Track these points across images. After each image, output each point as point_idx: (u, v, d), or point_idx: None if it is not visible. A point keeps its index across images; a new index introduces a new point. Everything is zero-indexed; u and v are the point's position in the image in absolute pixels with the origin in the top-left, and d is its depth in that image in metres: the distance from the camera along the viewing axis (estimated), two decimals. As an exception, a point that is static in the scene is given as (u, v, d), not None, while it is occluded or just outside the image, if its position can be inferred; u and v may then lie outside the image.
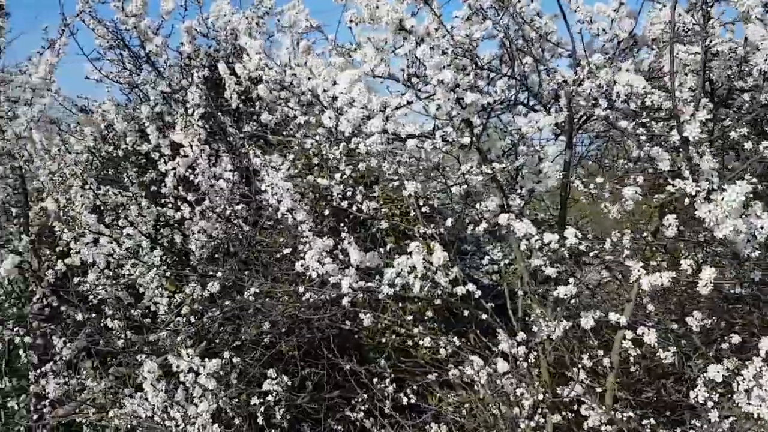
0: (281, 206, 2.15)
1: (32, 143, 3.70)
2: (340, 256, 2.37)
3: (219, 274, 2.77)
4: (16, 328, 3.49)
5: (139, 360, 3.04)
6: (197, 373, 2.80)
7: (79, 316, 3.10)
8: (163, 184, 3.79)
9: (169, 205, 3.56)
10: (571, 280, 2.17)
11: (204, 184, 3.08)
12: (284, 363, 3.70)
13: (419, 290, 2.25)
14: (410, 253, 2.21)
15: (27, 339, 3.68)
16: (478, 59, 2.61)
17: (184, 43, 3.96)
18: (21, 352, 3.94)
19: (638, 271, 1.97)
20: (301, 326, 3.28)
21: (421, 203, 2.87)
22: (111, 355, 3.96)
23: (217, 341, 3.47)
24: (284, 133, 4.49)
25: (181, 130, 3.00)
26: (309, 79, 2.46)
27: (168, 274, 3.50)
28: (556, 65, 2.81)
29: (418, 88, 2.65)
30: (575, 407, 2.47)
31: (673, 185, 2.31)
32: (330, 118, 2.45)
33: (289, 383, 2.90)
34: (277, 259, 3.02)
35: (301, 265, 2.19)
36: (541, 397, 2.28)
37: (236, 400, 2.84)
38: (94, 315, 3.68)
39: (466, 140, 2.23)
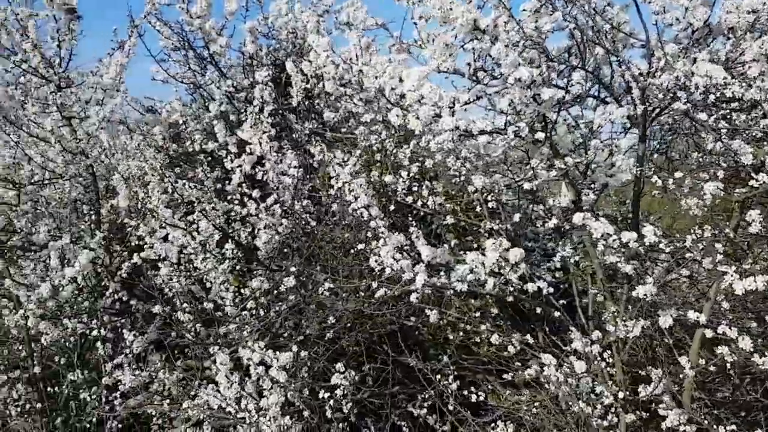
0: (357, 203, 2.16)
1: (101, 142, 3.83)
2: (407, 253, 2.37)
3: (293, 269, 2.80)
4: (88, 322, 3.60)
5: (211, 352, 3.12)
6: (267, 366, 2.86)
7: (157, 308, 3.19)
8: (227, 182, 3.88)
9: (236, 202, 3.63)
10: (649, 279, 2.11)
11: (273, 180, 3.13)
12: (346, 358, 3.74)
13: (492, 287, 2.24)
14: (482, 250, 2.20)
15: (99, 332, 3.81)
16: (548, 52, 2.57)
17: (246, 42, 4.02)
18: (94, 345, 4.08)
19: (732, 275, 1.90)
20: (364, 322, 3.29)
21: (487, 199, 2.84)
22: (179, 348, 4.09)
23: (283, 335, 3.53)
24: (343, 130, 4.52)
25: (251, 127, 3.05)
26: (376, 77, 2.45)
27: (237, 268, 3.56)
28: (628, 56, 2.75)
29: (485, 83, 2.63)
30: (651, 407, 2.42)
31: (756, 179, 2.23)
32: (397, 116, 2.45)
33: (356, 378, 2.92)
34: (343, 254, 3.04)
35: (375, 261, 2.20)
36: (621, 396, 2.23)
37: (306, 393, 2.88)
38: (166, 308, 3.80)
39: (540, 135, 2.20)
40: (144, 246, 3.94)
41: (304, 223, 3.14)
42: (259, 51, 4.09)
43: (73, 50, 3.67)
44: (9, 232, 3.91)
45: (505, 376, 2.88)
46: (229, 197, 3.65)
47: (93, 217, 4.03)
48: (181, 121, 3.89)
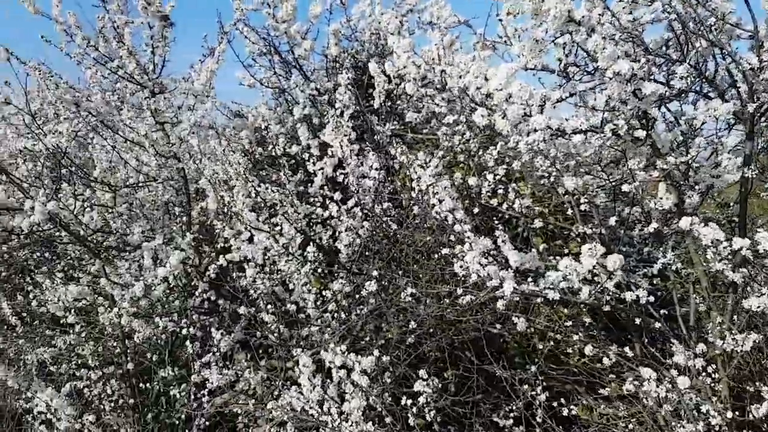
0: (442, 206, 2.09)
1: (192, 147, 3.95)
2: (493, 258, 2.28)
3: (374, 273, 2.77)
4: (179, 320, 3.70)
5: (294, 354, 3.13)
6: (348, 370, 2.84)
7: (242, 309, 3.24)
8: (309, 184, 3.90)
9: (317, 204, 3.65)
10: (765, 289, 1.92)
11: (354, 182, 3.11)
12: (427, 364, 3.67)
13: (587, 295, 2.11)
14: (574, 255, 2.07)
15: (188, 331, 3.92)
16: (646, 45, 2.41)
17: (330, 45, 4.04)
18: (183, 343, 4.20)
19: None
20: (447, 327, 3.21)
21: (579, 201, 2.70)
22: (263, 348, 4.15)
23: (363, 339, 3.51)
24: (424, 131, 4.46)
25: (332, 130, 3.05)
26: (459, 76, 2.37)
27: (319, 270, 3.57)
28: (735, 48, 2.54)
29: (577, 79, 2.50)
30: (764, 428, 2.21)
31: None
32: (482, 116, 2.36)
33: (439, 385, 2.84)
34: (425, 257, 2.98)
35: (460, 267, 2.12)
36: (729, 415, 2.04)
37: (389, 398, 2.84)
38: (251, 309, 3.87)
39: (640, 133, 2.05)
40: (230, 247, 4.04)
41: (385, 226, 3.10)
42: (343, 53, 4.10)
43: (166, 57, 3.80)
44: (105, 233, 4.10)
45: (600, 390, 2.71)
46: (311, 200, 3.66)
47: (184, 218, 4.16)
48: (265, 125, 3.95)
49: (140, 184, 3.95)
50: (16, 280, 5.61)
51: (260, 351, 4.17)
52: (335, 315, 3.40)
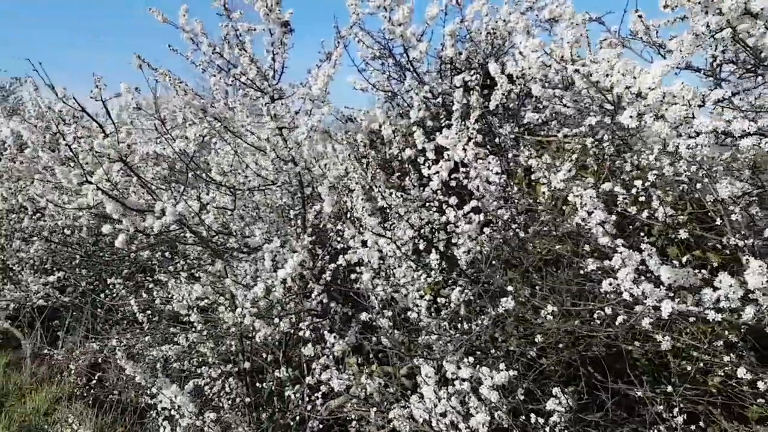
0: (592, 218, 1.94)
1: (308, 151, 3.98)
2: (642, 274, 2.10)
3: (509, 288, 2.65)
4: (296, 322, 3.73)
5: (409, 361, 3.07)
6: (468, 380, 2.74)
7: (363, 316, 3.22)
8: (422, 189, 3.83)
9: (433, 209, 3.57)
10: None
11: (477, 187, 3.00)
12: (549, 379, 3.51)
13: (751, 316, 1.90)
14: (717, 268, 1.87)
15: (303, 333, 3.96)
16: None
17: (445, 47, 3.95)
18: (297, 344, 4.25)
19: None
20: (576, 342, 3.04)
21: (731, 210, 2.46)
22: (374, 353, 4.13)
23: (481, 349, 3.39)
24: (542, 133, 4.28)
25: (456, 133, 2.96)
26: (607, 75, 2.21)
27: (431, 277, 3.50)
28: None
29: (736, 77, 2.28)
30: None
31: None
32: (631, 117, 2.19)
33: (571, 404, 2.68)
34: (554, 267, 2.83)
35: (609, 284, 1.97)
36: None
37: (512, 415, 2.71)
38: (370, 314, 3.85)
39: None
40: (345, 251, 4.04)
41: (512, 233, 2.97)
42: (459, 55, 4.00)
43: (285, 63, 3.85)
44: (226, 235, 4.22)
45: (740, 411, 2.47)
46: (428, 204, 3.59)
47: (298, 222, 4.21)
48: (377, 129, 3.92)
49: (260, 188, 4.02)
50: (138, 278, 5.92)
51: (371, 356, 4.16)
52: (453, 323, 3.30)
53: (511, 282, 2.80)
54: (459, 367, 2.79)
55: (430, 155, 3.65)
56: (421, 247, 3.16)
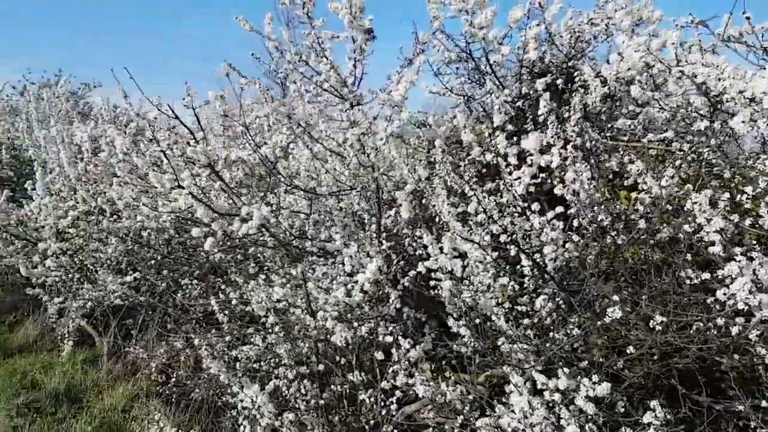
0: (709, 227, 1.89)
1: (386, 157, 3.99)
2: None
3: (615, 297, 2.59)
4: (375, 326, 3.75)
5: (486, 369, 3.04)
6: (558, 391, 2.70)
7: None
8: (499, 194, 3.80)
9: (516, 215, 3.53)
10: None
11: (575, 192, 2.96)
12: (631, 390, 3.42)
13: None
14: None
15: (377, 337, 3.97)
16: None
17: (528, 49, 3.91)
18: (368, 347, 4.26)
19: None
20: (667, 355, 2.95)
21: None
22: (447, 360, 4.11)
23: (564, 358, 3.34)
24: (624, 138, 4.18)
25: (552, 137, 2.92)
26: (719, 79, 2.14)
27: (508, 283, 3.46)
28: None
29: None
30: None
31: None
32: (743, 121, 2.12)
33: (666, 416, 2.60)
34: (654, 275, 2.75)
35: (724, 294, 1.90)
36: None
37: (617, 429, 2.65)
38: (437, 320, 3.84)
39: None
40: (420, 256, 4.03)
41: (609, 239, 2.91)
42: (542, 57, 3.96)
43: (365, 69, 3.87)
44: (303, 239, 4.28)
45: None
46: (510, 210, 3.55)
47: (373, 227, 4.23)
48: (463, 134, 3.90)
49: (340, 192, 4.06)
50: (210, 279, 6.07)
51: (443, 362, 4.14)
52: (537, 332, 3.26)
53: (617, 291, 2.73)
54: (549, 377, 2.74)
55: (513, 160, 3.62)
56: (513, 253, 3.12)
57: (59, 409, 5.11)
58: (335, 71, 3.81)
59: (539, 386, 2.75)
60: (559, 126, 3.05)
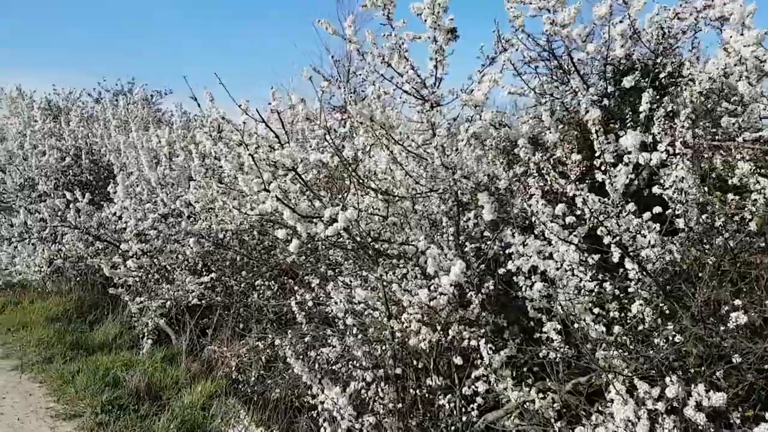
0: None
1: (464, 159, 3.94)
2: None
3: (738, 302, 2.45)
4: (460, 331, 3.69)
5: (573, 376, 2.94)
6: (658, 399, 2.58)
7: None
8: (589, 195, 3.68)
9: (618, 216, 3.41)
10: None
11: (683, 191, 2.83)
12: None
13: None
14: None
15: (454, 342, 3.91)
16: None
17: (615, 47, 3.78)
18: (447, 353, 4.20)
19: None
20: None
21: None
22: (528, 367, 4.01)
23: (656, 365, 3.19)
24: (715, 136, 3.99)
25: (659, 134, 2.80)
26: None
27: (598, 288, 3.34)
28: None
29: None
30: None
31: None
32: None
33: None
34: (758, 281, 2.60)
35: None
36: None
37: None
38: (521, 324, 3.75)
39: None
40: (498, 259, 3.95)
41: (720, 242, 2.77)
42: (629, 55, 3.82)
43: (445, 70, 3.83)
44: (382, 241, 4.27)
45: None
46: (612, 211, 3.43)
47: (452, 229, 4.17)
48: (549, 132, 3.81)
49: (422, 194, 4.03)
50: (283, 280, 6.15)
51: (525, 369, 4.03)
52: (632, 338, 3.13)
53: (735, 295, 2.59)
54: (651, 385, 2.62)
55: (609, 158, 3.50)
56: (616, 257, 3.01)
57: (141, 407, 5.26)
58: (415, 72, 3.79)
59: (641, 395, 2.63)
60: (666, 122, 2.91)
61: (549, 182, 3.08)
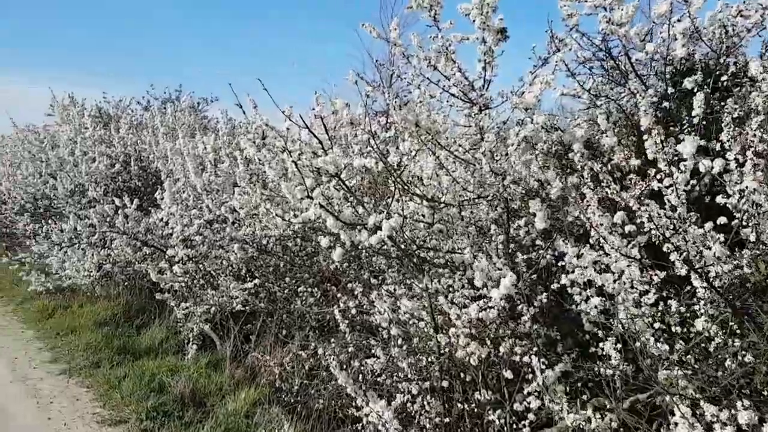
0: None
1: (516, 164, 3.78)
2: None
3: None
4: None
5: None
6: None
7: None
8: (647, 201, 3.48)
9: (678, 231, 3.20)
10: None
11: (755, 203, 2.62)
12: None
13: None
14: None
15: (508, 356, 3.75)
16: None
17: (676, 46, 3.57)
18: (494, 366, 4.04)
19: None
20: None
21: None
22: (583, 383, 3.81)
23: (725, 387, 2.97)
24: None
25: (728, 141, 2.61)
26: None
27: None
28: None
29: None
30: None
31: None
32: None
33: None
34: None
35: None
36: None
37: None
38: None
39: None
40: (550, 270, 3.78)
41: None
42: (691, 54, 3.60)
43: (494, 72, 3.68)
44: (426, 249, 4.14)
45: None
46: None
47: (501, 237, 4.01)
48: (605, 136, 3.62)
49: (468, 201, 3.89)
50: (326, 287, 6.07)
51: (580, 385, 3.84)
52: (696, 356, 2.92)
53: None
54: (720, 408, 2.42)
55: (662, 166, 3.29)
56: (683, 272, 2.81)
57: (186, 413, 5.25)
58: (463, 74, 3.66)
59: (708, 418, 2.43)
60: (736, 128, 2.71)
61: (609, 193, 2.89)
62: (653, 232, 2.80)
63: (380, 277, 5.10)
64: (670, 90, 3.68)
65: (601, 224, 2.84)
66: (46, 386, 5.90)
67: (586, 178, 3.33)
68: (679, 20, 3.84)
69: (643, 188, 2.87)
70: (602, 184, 2.99)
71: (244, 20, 38.22)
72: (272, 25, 38.27)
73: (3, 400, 5.54)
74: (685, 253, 2.64)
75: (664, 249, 2.72)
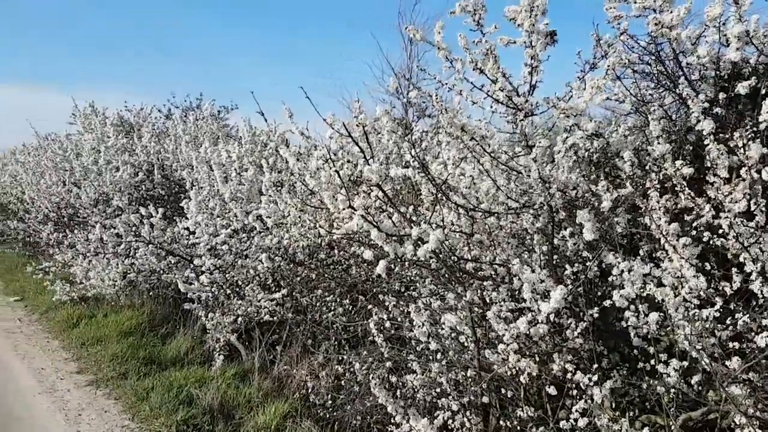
0: None
1: (560, 173, 3.65)
2: None
3: None
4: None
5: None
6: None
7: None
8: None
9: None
10: None
11: None
12: None
13: None
14: None
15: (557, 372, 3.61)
16: None
17: (729, 50, 3.43)
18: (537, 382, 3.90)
19: None
20: None
21: None
22: (631, 398, 3.68)
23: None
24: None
25: None
26: None
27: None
28: None
29: None
30: None
31: None
32: None
33: None
34: None
35: None
36: None
37: None
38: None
39: None
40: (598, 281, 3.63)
41: None
42: (746, 59, 3.46)
43: (540, 76, 3.56)
44: (465, 260, 4.01)
45: None
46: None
47: (544, 248, 3.88)
48: (656, 143, 3.48)
49: (513, 211, 3.76)
50: (355, 297, 5.97)
51: (626, 400, 3.70)
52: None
53: None
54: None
55: (723, 173, 3.15)
56: (757, 286, 2.66)
57: (216, 427, 5.15)
58: (507, 79, 3.54)
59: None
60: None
61: (681, 200, 2.76)
62: (718, 241, 2.66)
63: (412, 288, 4.97)
64: (722, 95, 3.53)
65: (669, 232, 2.70)
66: (74, 398, 5.83)
67: (655, 182, 3.20)
68: (724, 23, 3.71)
69: (727, 192, 2.73)
70: (676, 189, 2.85)
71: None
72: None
73: (32, 412, 5.47)
74: (762, 264, 2.50)
75: (741, 259, 2.58)
